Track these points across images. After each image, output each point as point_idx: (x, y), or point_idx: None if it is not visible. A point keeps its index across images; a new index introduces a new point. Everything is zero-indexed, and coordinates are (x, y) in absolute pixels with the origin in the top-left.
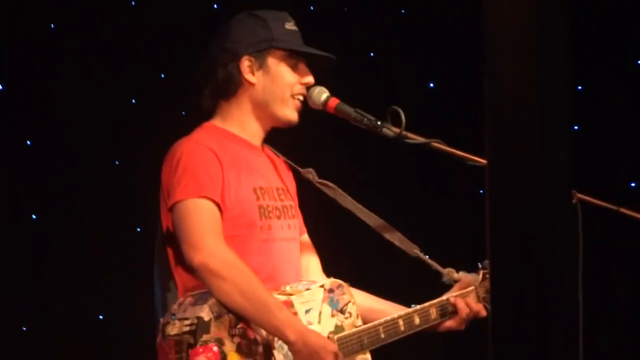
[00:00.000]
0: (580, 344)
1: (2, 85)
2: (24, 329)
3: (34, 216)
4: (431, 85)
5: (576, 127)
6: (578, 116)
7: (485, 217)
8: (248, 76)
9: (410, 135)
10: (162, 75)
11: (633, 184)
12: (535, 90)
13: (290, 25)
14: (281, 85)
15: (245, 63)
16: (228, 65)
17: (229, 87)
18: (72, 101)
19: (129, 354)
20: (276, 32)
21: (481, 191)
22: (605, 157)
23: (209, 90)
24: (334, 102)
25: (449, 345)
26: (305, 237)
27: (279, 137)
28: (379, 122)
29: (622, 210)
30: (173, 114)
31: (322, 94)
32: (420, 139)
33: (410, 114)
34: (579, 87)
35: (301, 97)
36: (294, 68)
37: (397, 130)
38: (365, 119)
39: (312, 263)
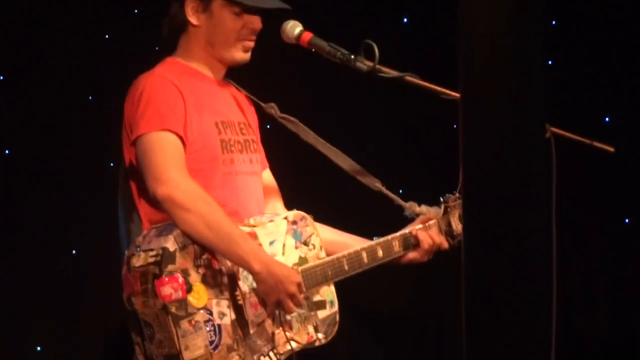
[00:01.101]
0: (554, 289)
1: None
2: None
3: (7, 151)
4: (405, 20)
5: (550, 62)
6: (552, 51)
7: (458, 152)
8: (191, 18)
9: (383, 69)
10: (136, 11)
11: (607, 119)
12: (510, 24)
13: None
14: (224, 31)
15: (190, 5)
16: (175, 6)
17: (176, 26)
18: (47, 37)
19: (101, 289)
20: None
21: (455, 126)
22: (579, 91)
23: (165, 28)
24: (308, 36)
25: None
26: (267, 172)
27: (242, 72)
28: (352, 56)
29: (596, 143)
30: (147, 49)
31: (295, 27)
32: (394, 73)
33: (384, 49)
34: (553, 22)
35: (248, 41)
36: (239, 14)
37: (370, 64)
38: (339, 53)
39: (274, 197)
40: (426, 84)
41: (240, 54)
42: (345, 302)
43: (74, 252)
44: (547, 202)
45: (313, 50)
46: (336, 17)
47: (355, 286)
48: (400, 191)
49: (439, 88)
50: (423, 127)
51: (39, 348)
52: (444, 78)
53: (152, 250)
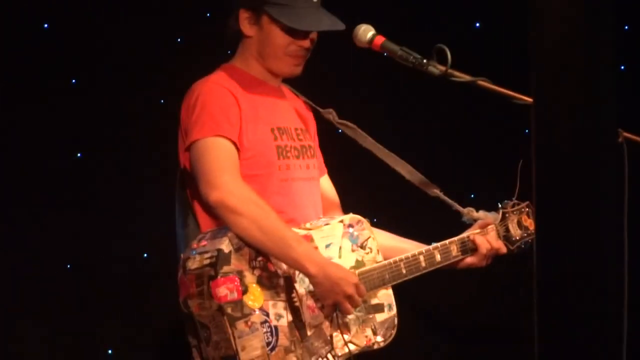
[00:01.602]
0: (625, 290)
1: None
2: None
3: (79, 154)
4: (477, 25)
5: (622, 67)
6: (624, 56)
7: (530, 158)
8: (245, 28)
9: (456, 73)
10: (208, 15)
11: None
12: (581, 32)
13: None
14: (272, 45)
15: (243, 16)
16: (232, 15)
17: (233, 35)
18: (116, 41)
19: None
20: None
21: (527, 131)
22: None
23: (225, 36)
24: (380, 39)
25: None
26: (326, 177)
27: (300, 77)
28: (424, 60)
29: None
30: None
31: (367, 32)
32: (467, 77)
33: (456, 54)
34: (626, 27)
35: (297, 57)
36: (289, 29)
37: (443, 68)
38: (411, 57)
39: (333, 203)
40: (498, 88)
41: (289, 68)
42: (404, 305)
43: (145, 255)
44: (620, 207)
45: (385, 54)
46: (408, 21)
47: (414, 289)
48: (472, 195)
49: (511, 92)
50: (492, 133)
51: (109, 351)
52: (516, 83)
53: (207, 252)
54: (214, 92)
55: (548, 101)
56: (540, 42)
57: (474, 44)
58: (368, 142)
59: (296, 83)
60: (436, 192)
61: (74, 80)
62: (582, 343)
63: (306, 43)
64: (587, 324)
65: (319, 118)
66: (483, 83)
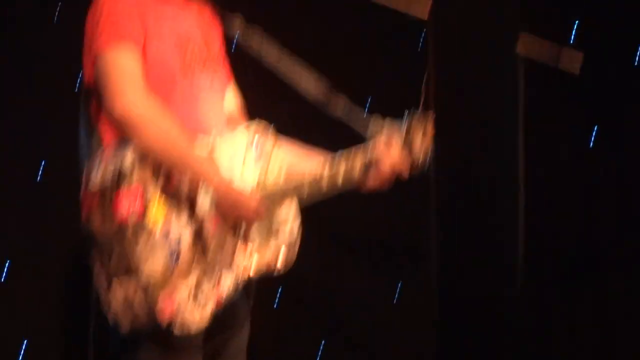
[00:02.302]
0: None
1: None
2: None
3: None
4: None
5: None
6: None
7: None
8: None
9: None
10: None
11: None
12: None
13: None
14: None
15: None
16: None
17: None
18: None
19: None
20: None
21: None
22: None
23: None
24: None
25: None
26: (232, 86)
27: None
28: None
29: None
30: None
31: None
32: None
33: None
34: None
35: None
36: None
37: None
38: None
39: (238, 112)
40: (393, 2)
41: None
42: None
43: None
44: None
45: None
46: None
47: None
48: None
49: (404, 6)
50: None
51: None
52: None
53: (110, 165)
54: (119, 1)
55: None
56: None
57: None
58: (274, 55)
59: None
60: (341, 105)
61: None
62: None
63: None
64: None
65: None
66: None
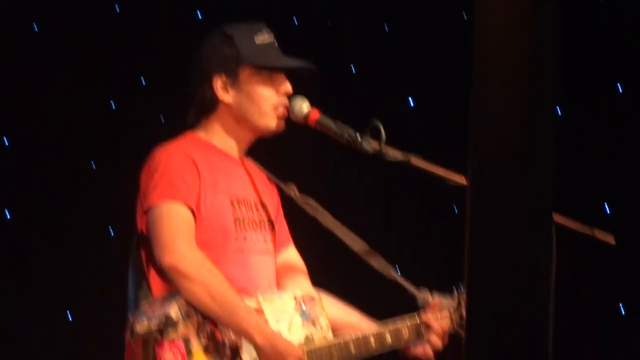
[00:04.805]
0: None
1: None
2: None
3: (8, 215)
4: (410, 100)
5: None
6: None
7: (464, 238)
8: (222, 96)
9: (389, 150)
10: (144, 83)
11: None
12: (520, 112)
13: (261, 38)
14: (257, 101)
15: (218, 83)
16: (203, 86)
17: (207, 106)
18: (53, 103)
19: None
20: (244, 48)
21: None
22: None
23: (192, 108)
24: (315, 114)
25: None
26: (292, 248)
27: (262, 149)
28: (358, 137)
29: (597, 233)
30: (153, 121)
31: (303, 106)
32: (399, 155)
33: (391, 130)
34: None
35: (282, 107)
36: (268, 80)
37: (376, 145)
38: (346, 134)
39: (300, 274)
40: (431, 167)
41: (276, 122)
42: None
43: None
44: (550, 288)
45: (319, 129)
46: (344, 96)
47: None
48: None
49: (444, 172)
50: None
51: None
52: (450, 161)
53: (155, 317)
54: (175, 157)
55: (485, 180)
56: (480, 119)
57: (409, 120)
58: (328, 220)
59: (258, 159)
60: (392, 273)
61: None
62: None
63: (288, 86)
64: None
65: (282, 192)
66: (416, 162)
